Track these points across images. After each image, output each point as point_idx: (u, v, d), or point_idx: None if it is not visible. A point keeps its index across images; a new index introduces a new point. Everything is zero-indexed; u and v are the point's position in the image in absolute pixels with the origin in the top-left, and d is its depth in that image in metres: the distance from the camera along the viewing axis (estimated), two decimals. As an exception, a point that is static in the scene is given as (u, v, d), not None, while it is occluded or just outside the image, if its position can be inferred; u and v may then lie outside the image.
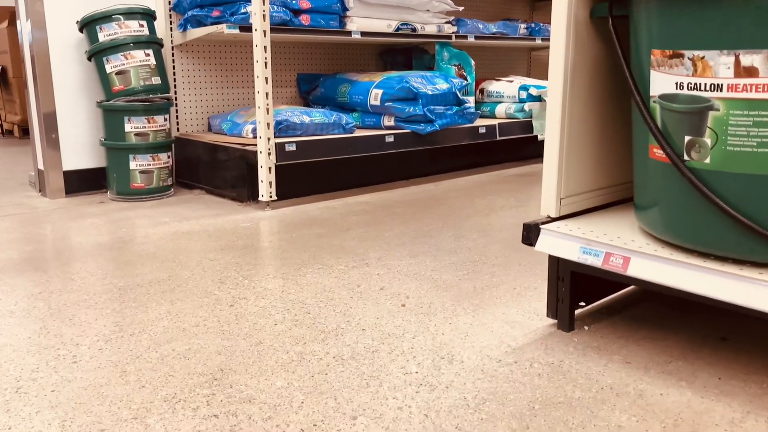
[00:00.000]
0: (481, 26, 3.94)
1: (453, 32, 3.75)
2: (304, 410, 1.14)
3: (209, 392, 1.20)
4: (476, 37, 3.86)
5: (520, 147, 3.86)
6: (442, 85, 3.25)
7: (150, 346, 1.39)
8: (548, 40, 4.29)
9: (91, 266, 1.95)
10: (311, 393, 1.20)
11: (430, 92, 3.17)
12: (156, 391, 1.20)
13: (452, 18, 3.78)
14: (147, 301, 1.66)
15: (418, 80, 3.20)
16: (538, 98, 3.84)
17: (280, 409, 1.14)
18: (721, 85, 1.08)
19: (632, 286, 1.73)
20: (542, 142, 3.73)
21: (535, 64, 4.95)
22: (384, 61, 4.00)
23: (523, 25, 4.23)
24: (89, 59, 2.88)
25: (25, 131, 5.28)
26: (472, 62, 3.84)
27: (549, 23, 4.40)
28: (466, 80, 3.68)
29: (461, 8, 3.83)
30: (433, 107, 3.18)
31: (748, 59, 1.04)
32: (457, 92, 3.32)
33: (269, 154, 2.67)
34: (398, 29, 3.46)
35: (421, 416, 1.12)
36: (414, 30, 3.54)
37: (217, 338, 1.43)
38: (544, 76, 4.78)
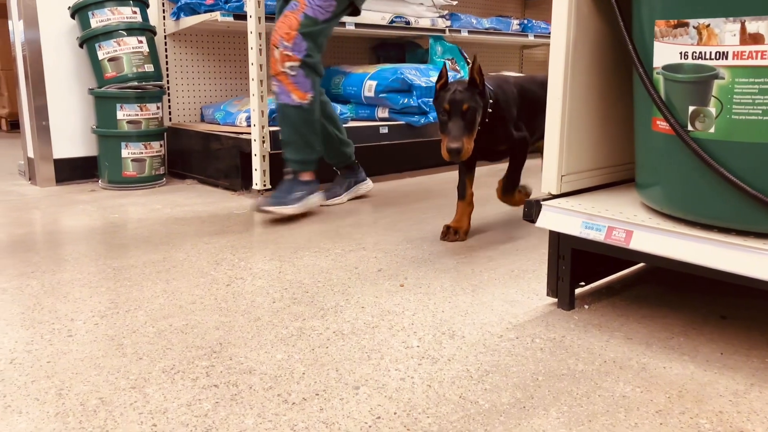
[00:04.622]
0: (474, 21, 3.95)
1: (447, 26, 3.75)
2: (305, 380, 1.12)
3: (208, 364, 1.18)
4: (469, 32, 3.86)
5: (513, 142, 3.86)
6: (437, 78, 3.24)
7: (146, 322, 1.37)
8: (540, 36, 4.31)
9: (84, 248, 1.92)
10: (312, 365, 1.18)
11: (424, 84, 3.16)
12: (154, 363, 1.18)
13: (446, 12, 3.78)
14: (142, 280, 1.63)
15: (412, 72, 3.19)
16: (531, 93, 3.84)
17: (281, 379, 1.12)
18: (727, 52, 1.08)
19: (631, 267, 1.73)
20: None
21: (526, 61, 4.96)
22: (377, 55, 3.99)
23: (515, 21, 4.24)
24: (81, 46, 2.85)
25: (13, 125, 5.22)
26: (466, 56, 3.84)
27: (541, 20, 4.41)
28: (460, 73, 3.68)
29: (455, 2, 3.84)
30: (427, 99, 3.17)
31: (753, 26, 1.04)
32: (451, 85, 3.31)
33: (263, 142, 2.65)
34: (392, 22, 3.45)
35: (424, 386, 1.11)
36: (408, 23, 3.53)
37: (214, 314, 1.41)
38: (535, 73, 4.79)
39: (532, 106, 2.12)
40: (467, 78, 1.87)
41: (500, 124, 1.98)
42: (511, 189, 2.16)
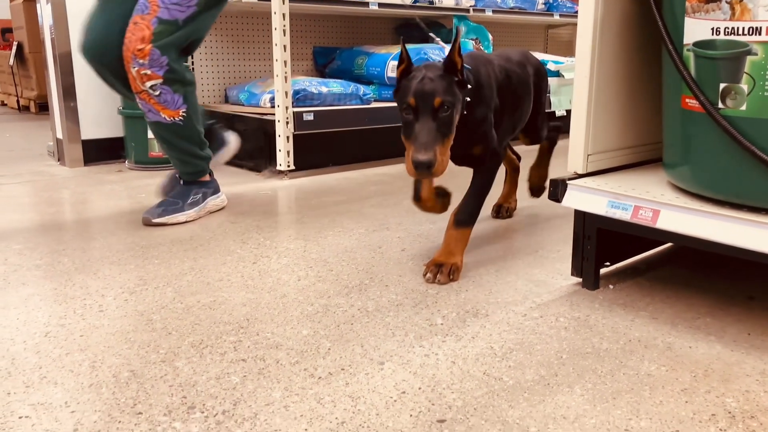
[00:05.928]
0: (498, 0, 3.90)
1: (471, 6, 3.71)
2: (331, 356, 1.14)
3: (236, 339, 1.20)
4: (494, 11, 3.82)
5: (537, 123, 3.82)
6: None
7: (175, 298, 1.40)
8: (566, 16, 4.24)
9: (113, 227, 1.95)
10: (338, 341, 1.19)
11: (448, 64, 3.13)
12: (183, 338, 1.20)
13: (470, -9, 3.74)
14: (170, 258, 1.66)
15: (435, 52, 3.17)
16: (556, 74, 3.80)
17: (307, 354, 1.14)
18: (760, 28, 1.06)
19: (657, 248, 1.71)
20: (561, 117, 3.70)
21: (552, 41, 4.90)
22: (400, 36, 3.97)
23: (541, 0, 4.18)
24: (107, 27, 2.87)
25: (41, 107, 5.29)
26: (490, 37, 3.80)
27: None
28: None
29: (479, -19, 3.79)
30: (451, 79, 3.15)
31: (788, 0, 1.02)
32: (475, 65, 3.28)
33: (287, 123, 2.66)
34: (416, 1, 3.43)
35: (448, 363, 1.11)
36: (431, 2, 3.50)
37: (241, 291, 1.44)
38: (560, 53, 4.73)
39: (515, 94, 1.71)
40: (443, 61, 1.41)
41: (478, 120, 1.52)
42: (467, 219, 1.56)
